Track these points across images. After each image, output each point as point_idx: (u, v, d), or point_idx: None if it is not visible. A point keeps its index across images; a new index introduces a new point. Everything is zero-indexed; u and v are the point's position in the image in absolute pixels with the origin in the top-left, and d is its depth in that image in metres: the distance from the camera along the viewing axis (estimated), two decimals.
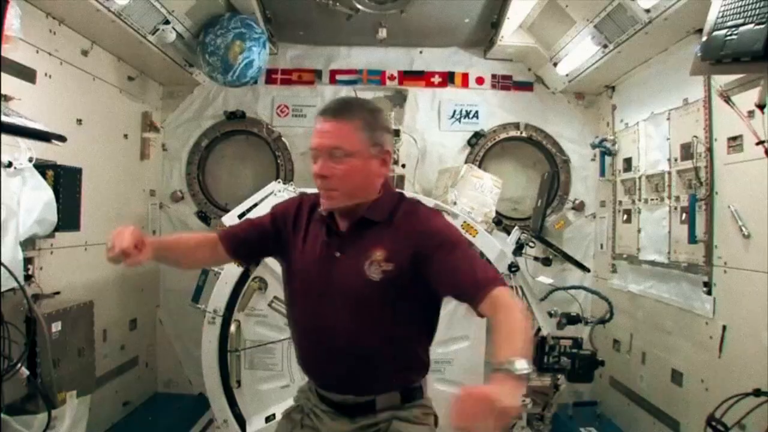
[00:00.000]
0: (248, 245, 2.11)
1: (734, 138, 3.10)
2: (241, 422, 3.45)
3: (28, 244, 3.06)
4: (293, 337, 2.12)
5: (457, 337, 3.44)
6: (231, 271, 3.44)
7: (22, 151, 2.82)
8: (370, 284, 1.86)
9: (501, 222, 4.90)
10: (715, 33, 2.36)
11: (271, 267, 3.42)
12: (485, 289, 1.71)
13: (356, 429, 1.98)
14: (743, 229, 2.99)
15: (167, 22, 3.89)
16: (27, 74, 3.18)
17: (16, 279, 2.53)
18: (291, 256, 2.04)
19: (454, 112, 5.24)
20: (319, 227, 1.99)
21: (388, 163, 1.96)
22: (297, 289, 2.04)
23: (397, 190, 2.16)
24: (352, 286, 1.89)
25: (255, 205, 3.77)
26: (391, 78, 5.21)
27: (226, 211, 4.17)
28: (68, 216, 3.18)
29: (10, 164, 2.72)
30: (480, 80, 5.26)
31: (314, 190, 1.99)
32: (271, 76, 5.26)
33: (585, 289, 4.41)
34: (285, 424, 2.13)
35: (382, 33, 4.58)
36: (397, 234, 1.89)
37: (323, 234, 1.97)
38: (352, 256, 1.90)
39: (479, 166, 4.86)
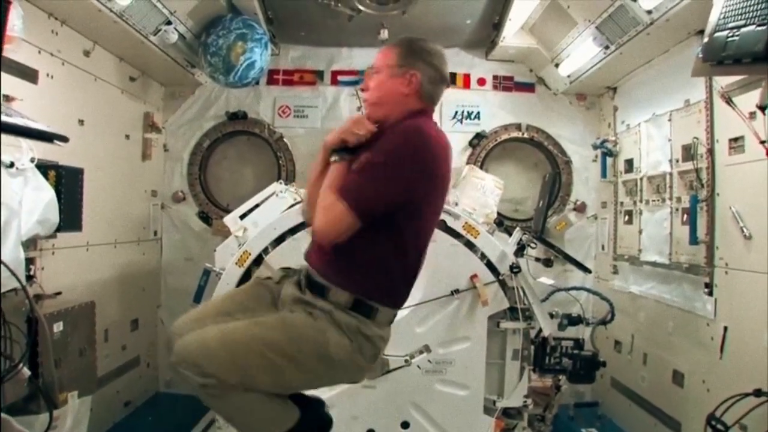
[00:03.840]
0: None
1: (735, 139, 3.10)
2: None
3: (30, 244, 3.06)
4: None
5: (458, 338, 3.43)
6: (232, 272, 3.44)
7: (24, 151, 2.82)
8: None
9: (502, 223, 4.89)
10: (717, 34, 2.37)
11: (272, 267, 3.42)
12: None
13: (296, 299, 2.13)
14: (744, 230, 3.00)
15: (169, 23, 3.90)
16: (29, 74, 3.19)
17: (18, 279, 2.52)
18: None
19: (456, 113, 5.24)
20: None
21: (413, 84, 2.16)
22: None
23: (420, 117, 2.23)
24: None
25: (257, 205, 3.78)
26: None
27: (228, 211, 4.17)
28: (70, 216, 3.18)
29: (12, 164, 2.72)
30: (481, 81, 5.26)
31: None
32: (272, 77, 5.26)
33: (586, 290, 4.41)
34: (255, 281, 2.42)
35: (384, 34, 4.57)
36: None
37: None
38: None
39: (481, 167, 4.86)
